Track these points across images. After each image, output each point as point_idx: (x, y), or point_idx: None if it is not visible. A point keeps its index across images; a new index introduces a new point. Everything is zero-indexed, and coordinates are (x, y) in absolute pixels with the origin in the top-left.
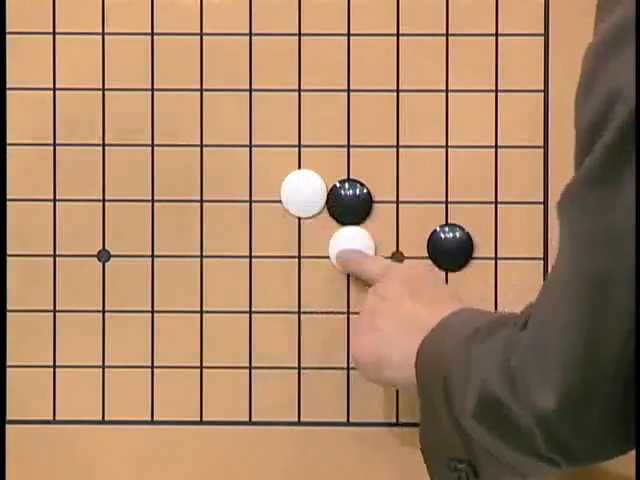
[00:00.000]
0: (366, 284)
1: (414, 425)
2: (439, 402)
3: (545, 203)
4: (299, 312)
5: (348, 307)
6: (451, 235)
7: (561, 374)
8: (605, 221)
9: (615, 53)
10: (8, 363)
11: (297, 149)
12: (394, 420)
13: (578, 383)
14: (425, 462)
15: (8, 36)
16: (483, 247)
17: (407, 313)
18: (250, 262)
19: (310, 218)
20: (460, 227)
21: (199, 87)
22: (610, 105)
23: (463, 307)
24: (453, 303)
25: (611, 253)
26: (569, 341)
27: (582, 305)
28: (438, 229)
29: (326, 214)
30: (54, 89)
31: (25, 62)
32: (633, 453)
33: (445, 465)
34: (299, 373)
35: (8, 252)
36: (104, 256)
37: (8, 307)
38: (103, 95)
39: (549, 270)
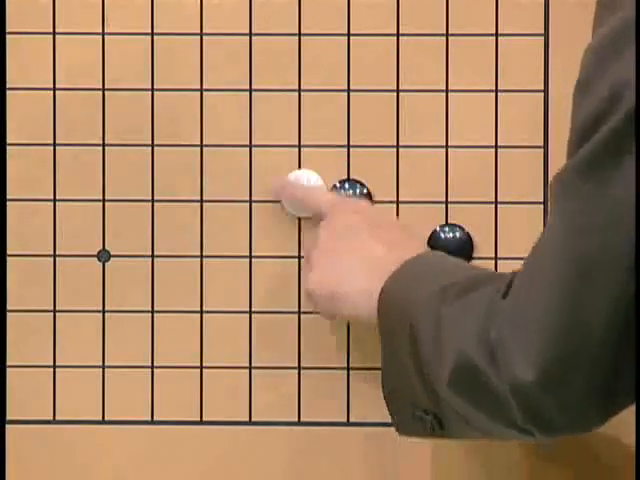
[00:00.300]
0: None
1: None
2: (405, 351)
3: (545, 203)
4: (299, 312)
5: None
6: (451, 235)
7: (543, 346)
8: (597, 206)
9: (616, 56)
10: (8, 363)
11: (297, 149)
12: None
13: (560, 357)
14: (387, 405)
15: (8, 36)
16: (483, 247)
17: (365, 250)
18: (250, 262)
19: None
20: (460, 227)
21: (199, 87)
22: (611, 102)
23: (429, 250)
24: (414, 243)
25: (601, 236)
26: (552, 314)
27: (568, 282)
28: (438, 229)
29: None
30: (54, 89)
31: (25, 62)
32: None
33: (409, 412)
34: (299, 373)
35: (8, 252)
36: (104, 256)
37: (8, 307)
38: (103, 95)
39: None
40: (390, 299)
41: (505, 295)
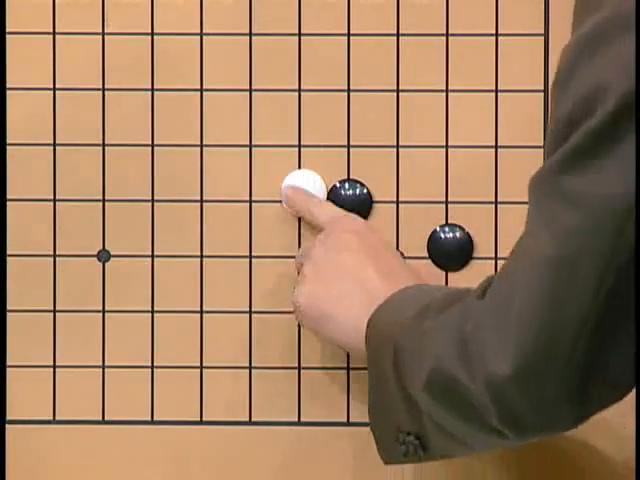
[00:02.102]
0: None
1: None
2: (389, 374)
3: None
4: None
5: None
6: (451, 235)
7: (519, 341)
8: (576, 207)
9: (592, 58)
10: (8, 363)
11: (297, 149)
12: None
13: (535, 352)
14: (372, 433)
15: (8, 36)
16: (483, 247)
17: (360, 276)
18: (250, 262)
19: None
20: (460, 227)
21: (199, 87)
22: (587, 104)
23: (419, 283)
24: (408, 275)
25: (580, 237)
26: (529, 311)
27: (546, 281)
28: (438, 229)
29: None
30: (54, 89)
31: (25, 62)
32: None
33: (393, 437)
34: (299, 373)
35: (8, 252)
36: (104, 256)
37: (8, 307)
38: (103, 95)
39: None
40: (376, 328)
41: (481, 297)
